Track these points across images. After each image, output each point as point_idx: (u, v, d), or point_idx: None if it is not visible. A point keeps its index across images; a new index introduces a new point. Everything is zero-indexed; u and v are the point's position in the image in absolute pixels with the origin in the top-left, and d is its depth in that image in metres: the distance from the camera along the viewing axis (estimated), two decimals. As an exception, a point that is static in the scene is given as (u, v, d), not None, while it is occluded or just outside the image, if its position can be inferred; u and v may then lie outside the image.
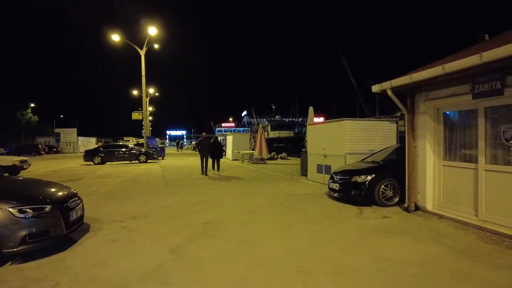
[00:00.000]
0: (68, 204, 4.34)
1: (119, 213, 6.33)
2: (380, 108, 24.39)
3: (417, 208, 6.13)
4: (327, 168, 9.72)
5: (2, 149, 36.99)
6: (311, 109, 12.57)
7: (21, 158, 13.58)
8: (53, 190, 4.60)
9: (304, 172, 11.80)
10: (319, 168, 10.20)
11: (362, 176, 6.86)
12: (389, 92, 6.03)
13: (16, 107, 50.69)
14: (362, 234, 4.83)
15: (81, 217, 4.71)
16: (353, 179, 6.93)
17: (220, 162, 13.21)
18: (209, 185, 10.08)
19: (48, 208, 3.94)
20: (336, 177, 7.41)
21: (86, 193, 8.73)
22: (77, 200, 4.69)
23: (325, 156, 9.83)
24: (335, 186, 7.32)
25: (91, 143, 56.88)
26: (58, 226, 4.00)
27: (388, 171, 7.01)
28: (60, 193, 4.52)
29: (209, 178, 11.83)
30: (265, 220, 5.71)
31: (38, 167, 17.75)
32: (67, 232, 4.15)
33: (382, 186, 6.71)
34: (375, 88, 6.36)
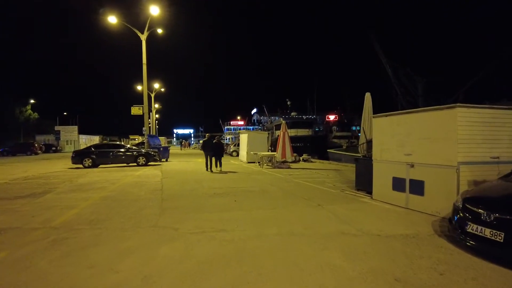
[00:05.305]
0: None
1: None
2: (423, 101, 20.48)
3: None
4: (416, 184, 6.12)
5: (-4, 149, 34.20)
6: (368, 95, 8.92)
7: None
8: None
9: (363, 185, 8.16)
10: (398, 184, 6.59)
11: None
12: None
13: (14, 103, 47.91)
14: None
15: None
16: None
17: (221, 160, 14.51)
18: (229, 211, 6.53)
19: None
20: (487, 214, 3.79)
21: (29, 225, 5.33)
22: None
23: (412, 166, 6.21)
24: (489, 233, 3.68)
25: (95, 141, 53.90)
26: None
27: None
28: None
29: (227, 195, 8.31)
30: None
31: (13, 171, 14.51)
32: None
33: None
34: None
